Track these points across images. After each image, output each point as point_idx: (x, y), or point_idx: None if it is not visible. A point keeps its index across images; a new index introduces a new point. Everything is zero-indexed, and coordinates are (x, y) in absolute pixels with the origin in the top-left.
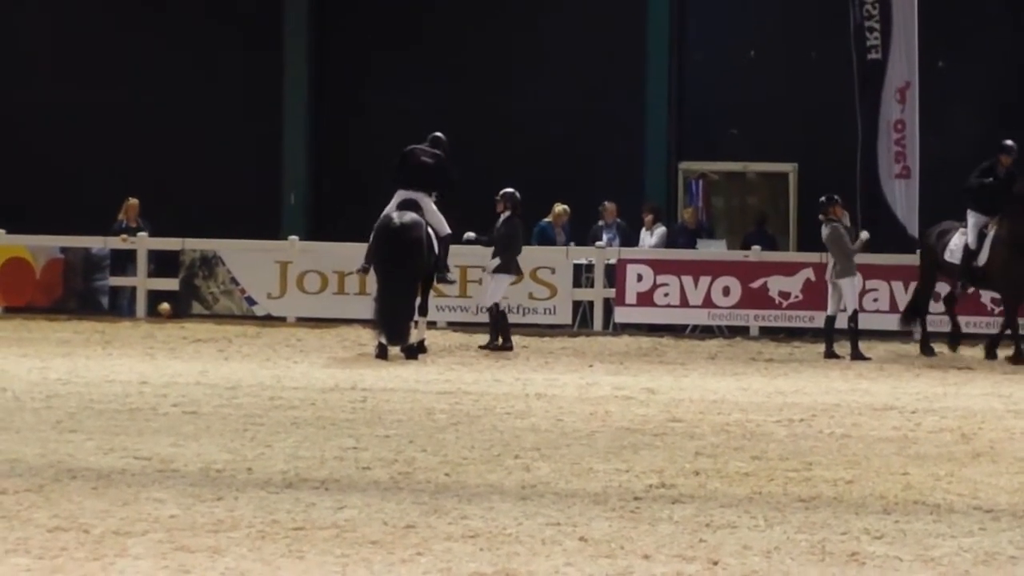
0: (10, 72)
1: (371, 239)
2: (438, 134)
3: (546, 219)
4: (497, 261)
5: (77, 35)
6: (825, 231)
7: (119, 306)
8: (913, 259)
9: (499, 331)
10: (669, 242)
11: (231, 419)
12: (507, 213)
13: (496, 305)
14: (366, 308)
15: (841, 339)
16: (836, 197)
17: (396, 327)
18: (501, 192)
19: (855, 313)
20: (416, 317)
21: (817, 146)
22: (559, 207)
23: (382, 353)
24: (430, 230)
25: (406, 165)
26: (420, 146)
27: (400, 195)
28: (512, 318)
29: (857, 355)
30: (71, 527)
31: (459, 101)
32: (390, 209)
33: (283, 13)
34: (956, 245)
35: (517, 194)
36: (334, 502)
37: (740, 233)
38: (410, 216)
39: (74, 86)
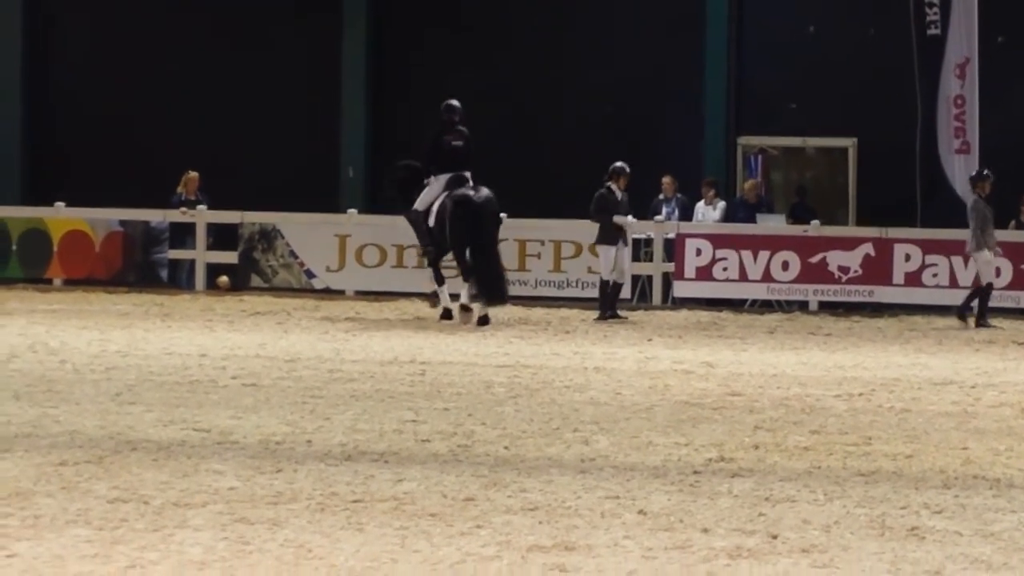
0: (69, 46)
1: (443, 218)
2: (453, 102)
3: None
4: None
5: (136, 9)
6: (969, 203)
7: (178, 279)
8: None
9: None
10: (729, 216)
11: (290, 392)
12: (612, 185)
13: (606, 282)
14: (425, 281)
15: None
16: (987, 172)
17: (502, 290)
18: (612, 166)
19: (989, 286)
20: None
21: (876, 121)
22: (666, 179)
23: (447, 315)
24: None
25: (441, 152)
26: (447, 130)
27: (443, 177)
28: (572, 292)
29: (983, 323)
30: (131, 499)
31: (517, 76)
32: (442, 189)
33: None
34: None
35: (627, 167)
36: (393, 475)
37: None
38: (485, 191)
39: (133, 60)
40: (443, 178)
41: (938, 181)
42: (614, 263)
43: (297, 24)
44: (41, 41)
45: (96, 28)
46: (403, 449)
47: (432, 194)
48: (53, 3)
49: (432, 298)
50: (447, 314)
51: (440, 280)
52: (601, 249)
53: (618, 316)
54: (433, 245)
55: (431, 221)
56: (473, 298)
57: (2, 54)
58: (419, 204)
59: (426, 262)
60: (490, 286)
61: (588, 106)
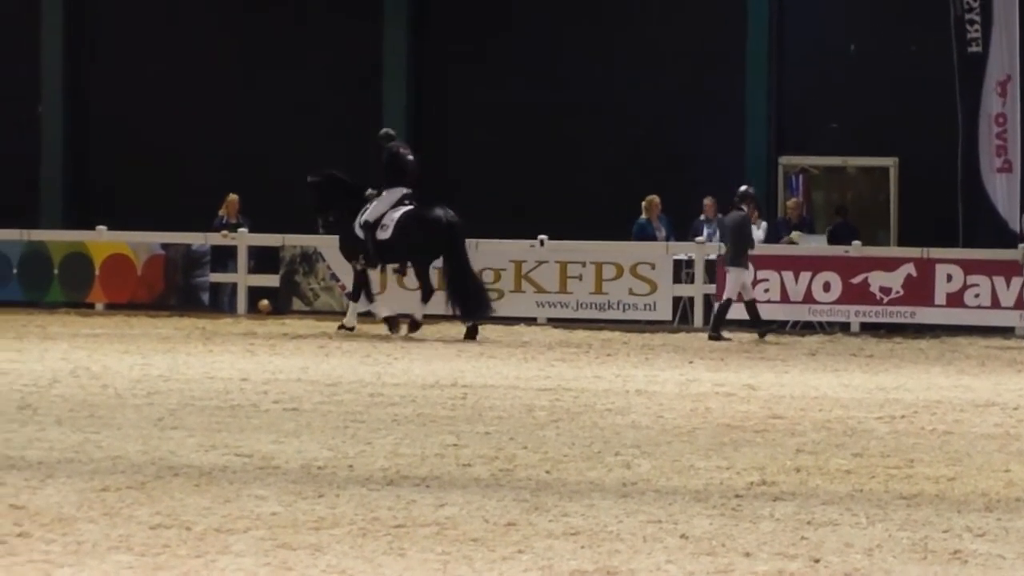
0: (109, 71)
1: (406, 231)
2: (389, 130)
3: (642, 216)
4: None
5: (175, 33)
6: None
7: (220, 302)
8: (1014, 254)
9: (722, 320)
10: (771, 236)
11: (332, 416)
12: (742, 210)
13: (729, 299)
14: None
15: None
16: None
17: (485, 303)
18: (745, 190)
19: None
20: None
21: (918, 140)
22: (648, 198)
23: (394, 327)
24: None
25: (400, 167)
26: (402, 146)
27: (398, 191)
28: (612, 314)
29: None
30: (173, 524)
31: (558, 96)
32: (389, 205)
33: (382, 10)
34: None
35: (751, 190)
36: (435, 499)
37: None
38: (450, 210)
39: (173, 83)
40: (396, 192)
41: (980, 200)
42: (741, 284)
43: (337, 45)
44: (82, 66)
45: (136, 52)
46: (445, 473)
47: (382, 207)
48: (94, 28)
49: (390, 320)
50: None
51: (372, 297)
52: (734, 271)
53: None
54: (379, 258)
55: (386, 234)
56: (467, 318)
57: (44, 79)
58: (368, 216)
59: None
60: (473, 302)
61: (628, 126)
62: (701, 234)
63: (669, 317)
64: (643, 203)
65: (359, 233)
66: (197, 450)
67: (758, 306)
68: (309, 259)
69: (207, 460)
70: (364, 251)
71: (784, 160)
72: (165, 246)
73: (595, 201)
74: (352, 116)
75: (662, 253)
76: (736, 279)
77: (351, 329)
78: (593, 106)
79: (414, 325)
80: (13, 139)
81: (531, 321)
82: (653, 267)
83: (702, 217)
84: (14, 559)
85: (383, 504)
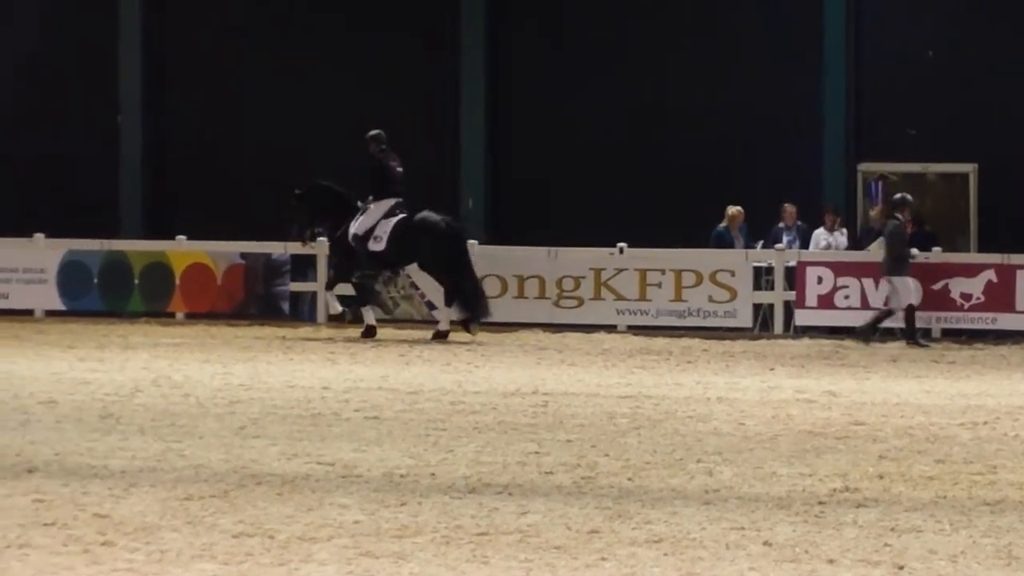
0: (187, 81)
1: (405, 240)
2: (378, 132)
3: (722, 224)
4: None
5: (249, 44)
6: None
7: (300, 311)
8: None
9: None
10: (855, 243)
11: (413, 424)
12: (897, 218)
13: (911, 305)
14: (545, 312)
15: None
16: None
17: (486, 306)
18: (900, 197)
19: None
20: (441, 306)
21: (997, 146)
22: (733, 209)
23: (370, 333)
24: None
25: (387, 176)
26: (390, 157)
27: (388, 201)
28: (692, 321)
29: None
30: (256, 533)
31: (636, 103)
32: (380, 215)
33: (460, 20)
34: None
35: (908, 197)
36: (517, 507)
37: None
38: (447, 216)
39: (250, 94)
40: (387, 203)
41: None
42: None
43: (414, 57)
44: (160, 77)
45: (214, 62)
46: (527, 481)
47: (373, 218)
48: (172, 38)
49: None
50: (371, 332)
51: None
52: (897, 280)
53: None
54: (373, 268)
55: (379, 246)
56: (463, 318)
57: (123, 90)
58: (358, 228)
59: (332, 286)
60: (478, 304)
61: (706, 133)
62: (780, 241)
63: (749, 324)
64: (727, 213)
65: (351, 243)
66: (279, 459)
67: (915, 314)
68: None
69: (289, 469)
70: (357, 263)
71: (863, 167)
72: (245, 255)
73: (674, 208)
74: (428, 129)
75: (742, 260)
76: (905, 286)
77: (372, 334)
78: (671, 113)
79: (441, 334)
80: (93, 150)
81: (611, 329)
82: (733, 274)
83: (781, 224)
84: (99, 568)
85: (466, 512)
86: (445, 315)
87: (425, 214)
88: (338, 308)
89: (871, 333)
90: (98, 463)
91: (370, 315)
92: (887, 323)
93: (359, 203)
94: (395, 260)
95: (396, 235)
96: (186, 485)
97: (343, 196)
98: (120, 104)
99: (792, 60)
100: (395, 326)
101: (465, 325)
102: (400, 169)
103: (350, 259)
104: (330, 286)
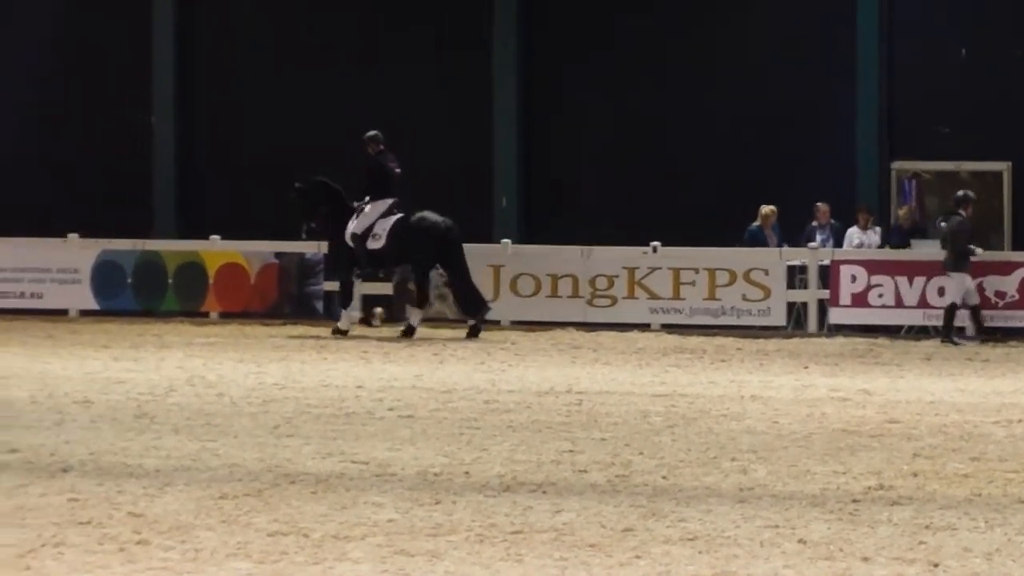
0: (221, 81)
1: (402, 239)
2: (375, 133)
3: (755, 223)
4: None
5: (283, 43)
6: None
7: (334, 311)
8: None
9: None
10: (883, 242)
11: (447, 423)
12: (960, 214)
13: (954, 303)
14: (579, 311)
15: None
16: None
17: (483, 302)
18: (964, 194)
19: None
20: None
21: None
22: (766, 208)
23: (340, 332)
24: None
25: (385, 175)
26: (387, 157)
27: (385, 201)
28: (726, 320)
29: None
30: (291, 531)
31: (667, 103)
32: (378, 215)
33: (493, 19)
34: None
35: (971, 194)
36: (551, 505)
37: None
38: (444, 216)
39: (283, 93)
40: (385, 202)
41: None
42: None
43: (447, 56)
44: (193, 76)
45: (246, 62)
46: (561, 480)
47: (371, 217)
48: (205, 37)
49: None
50: (343, 333)
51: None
52: (957, 276)
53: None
54: (372, 267)
55: (378, 244)
56: (469, 317)
57: (156, 89)
58: (356, 227)
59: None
60: (475, 302)
61: (739, 132)
62: (814, 240)
63: (783, 322)
64: (760, 211)
65: (348, 243)
66: (313, 457)
67: (981, 312)
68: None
69: (323, 467)
70: (356, 262)
71: (896, 165)
72: (278, 255)
73: (707, 207)
74: (462, 129)
75: (775, 259)
76: (959, 284)
77: (344, 333)
78: (704, 112)
79: (409, 331)
80: (126, 150)
81: (644, 327)
82: (767, 273)
83: (815, 223)
84: (133, 566)
85: (500, 510)
86: (416, 314)
87: (424, 213)
88: (355, 316)
89: (984, 332)
90: (133, 462)
91: (345, 320)
92: (924, 322)
93: (354, 203)
94: (394, 258)
95: (395, 233)
96: (220, 484)
97: (340, 194)
98: (153, 104)
99: (825, 59)
100: (429, 325)
101: (473, 329)
102: (398, 170)
103: (346, 258)
104: (346, 303)
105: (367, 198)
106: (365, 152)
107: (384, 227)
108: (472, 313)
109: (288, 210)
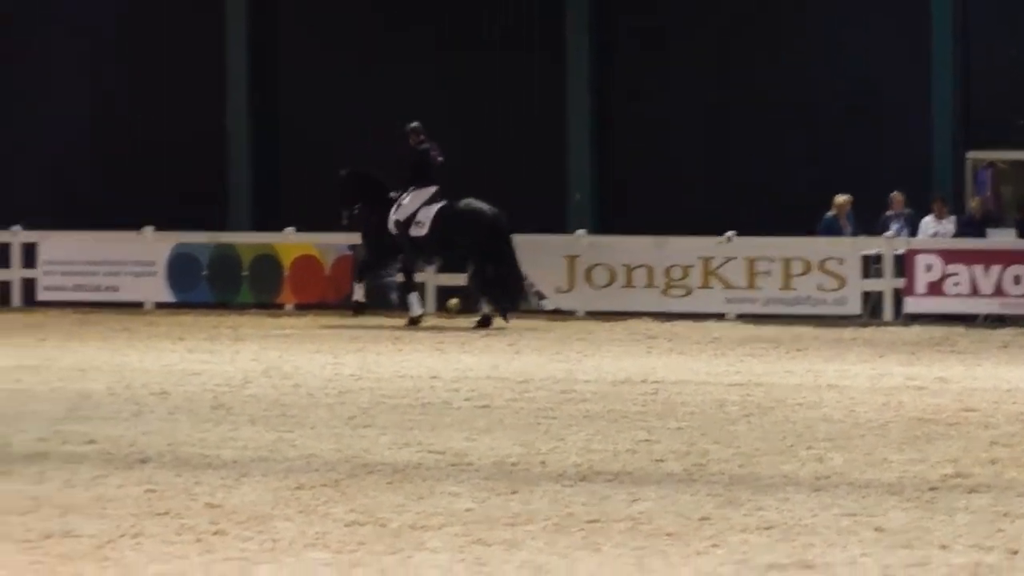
0: (295, 76)
1: (447, 226)
2: (416, 124)
3: (830, 212)
4: None
5: (359, 41)
6: None
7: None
8: None
9: None
10: (957, 232)
11: (523, 413)
12: None
13: None
14: (654, 301)
15: None
16: None
17: (524, 296)
18: None
19: None
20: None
21: None
22: (841, 198)
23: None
24: None
25: (426, 166)
26: (429, 145)
27: (427, 190)
28: (801, 309)
29: None
30: (368, 521)
31: (741, 93)
32: (421, 202)
33: (565, 15)
34: None
35: None
36: (628, 495)
37: None
38: (492, 206)
39: (358, 88)
40: (427, 190)
41: None
42: None
43: (521, 50)
44: (268, 71)
45: (320, 57)
46: (637, 469)
47: (414, 205)
48: (278, 32)
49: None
50: (417, 322)
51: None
52: None
53: None
54: (415, 255)
55: (422, 231)
56: (504, 308)
57: (230, 84)
58: (399, 215)
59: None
60: (515, 295)
61: (814, 123)
62: (889, 229)
63: (859, 312)
64: (835, 201)
65: (392, 230)
66: (390, 448)
67: None
68: None
69: (400, 457)
70: (399, 250)
71: (971, 155)
72: (352, 247)
73: (781, 198)
74: (535, 124)
75: (850, 248)
76: None
77: (418, 321)
78: (780, 102)
79: (485, 321)
80: (201, 144)
81: (720, 317)
82: (842, 262)
83: (890, 212)
84: (211, 557)
85: (577, 500)
86: (417, 301)
87: (470, 201)
88: (419, 310)
89: None
90: (210, 453)
91: (359, 291)
92: (1000, 310)
93: (391, 194)
94: (436, 246)
95: (439, 221)
96: (297, 474)
97: (381, 184)
98: (228, 99)
99: (900, 49)
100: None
101: (501, 313)
102: (440, 159)
103: (382, 249)
104: (409, 288)
105: (411, 188)
106: (407, 144)
107: (427, 215)
108: (508, 306)
109: (336, 193)
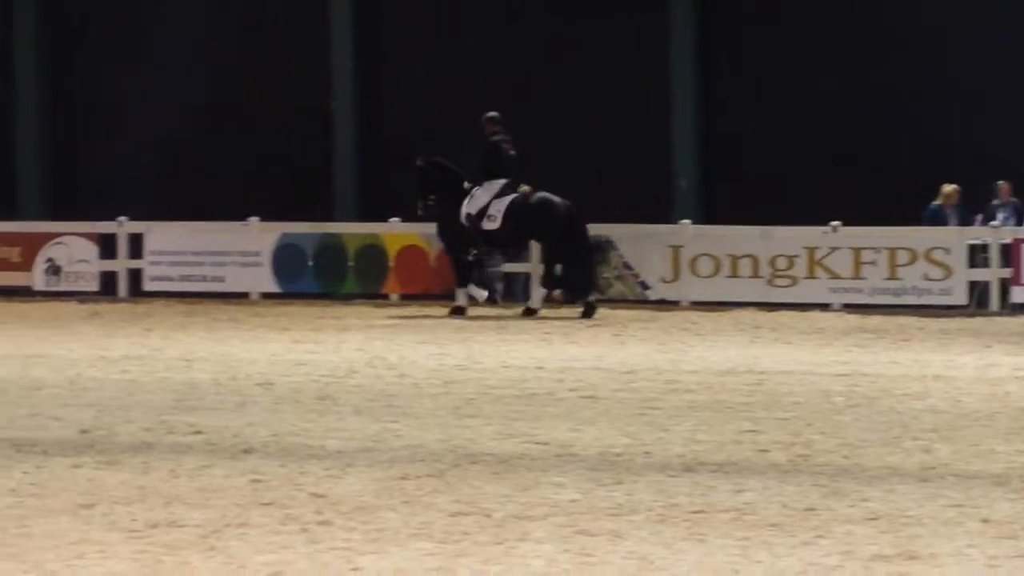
0: (400, 70)
1: (520, 219)
2: (495, 113)
3: (935, 201)
4: None
5: (467, 28)
6: None
7: (514, 292)
8: None
9: None
10: None
11: (628, 403)
12: None
13: None
14: (759, 291)
15: None
16: None
17: (593, 287)
18: None
19: None
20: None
21: None
22: (948, 187)
23: (460, 312)
24: None
25: (499, 157)
26: (503, 138)
27: (498, 182)
28: (907, 299)
29: None
30: (472, 511)
31: (842, 83)
32: (492, 195)
33: (670, 3)
34: None
35: None
36: (733, 485)
37: None
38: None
39: (459, 78)
40: (498, 183)
41: None
42: None
43: (624, 36)
44: (373, 59)
45: (427, 43)
46: (742, 459)
47: (486, 197)
48: (382, 23)
49: (470, 301)
50: (461, 311)
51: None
52: None
53: None
54: (486, 247)
55: (494, 224)
56: (576, 298)
57: (337, 80)
58: (471, 207)
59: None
60: (586, 285)
61: (920, 110)
62: (995, 218)
63: (965, 302)
64: (942, 190)
65: (464, 223)
66: (495, 438)
67: None
68: (602, 248)
69: (505, 448)
70: (471, 242)
71: None
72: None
73: (884, 188)
74: (641, 113)
75: (956, 238)
76: None
77: (462, 312)
78: (883, 92)
79: (589, 311)
80: (307, 135)
81: (825, 307)
82: (948, 252)
83: (996, 201)
84: (316, 547)
85: (681, 490)
86: (539, 296)
87: (544, 194)
88: (482, 294)
89: None
90: (315, 443)
91: (463, 297)
92: None
93: (465, 184)
94: (510, 239)
95: (512, 214)
96: (402, 465)
97: (457, 175)
98: (334, 89)
99: (1005, 34)
100: (609, 306)
101: (588, 308)
102: (513, 152)
103: (459, 238)
104: (463, 282)
105: (483, 180)
106: (483, 133)
107: (499, 208)
108: (580, 295)
109: (414, 183)
